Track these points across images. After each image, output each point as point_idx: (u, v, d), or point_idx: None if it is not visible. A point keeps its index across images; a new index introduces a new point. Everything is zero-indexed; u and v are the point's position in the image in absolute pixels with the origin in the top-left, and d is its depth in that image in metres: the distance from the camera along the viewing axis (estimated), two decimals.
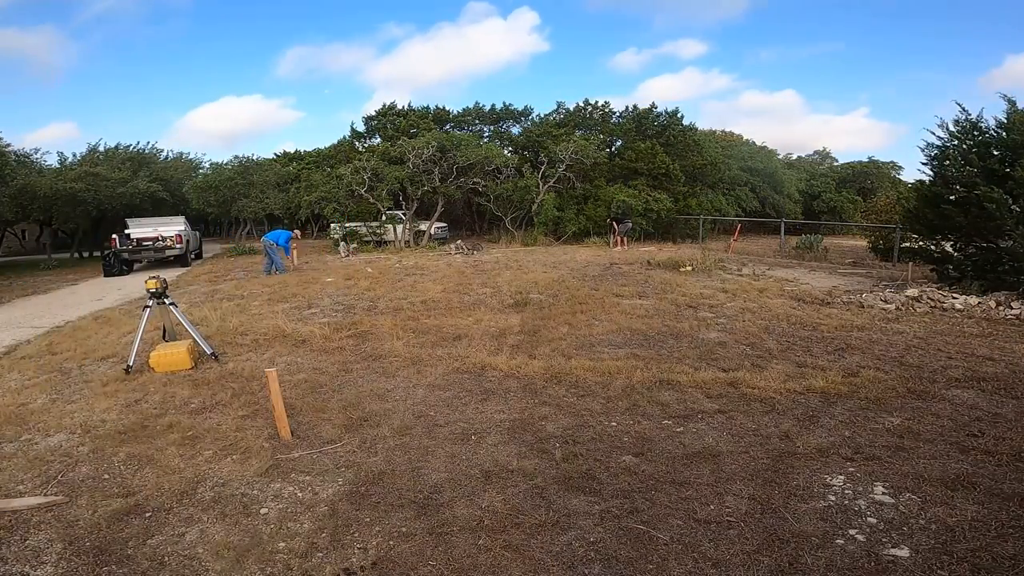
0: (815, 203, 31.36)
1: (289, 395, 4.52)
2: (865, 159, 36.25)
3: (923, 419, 4.01)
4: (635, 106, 25.62)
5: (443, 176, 19.83)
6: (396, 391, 4.83)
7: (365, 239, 19.91)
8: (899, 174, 35.18)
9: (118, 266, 15.41)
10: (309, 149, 31.08)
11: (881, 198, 25.98)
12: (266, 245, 13.52)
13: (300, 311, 8.41)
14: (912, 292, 8.66)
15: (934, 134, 10.41)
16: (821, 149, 44.88)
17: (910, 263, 11.71)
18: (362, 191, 19.37)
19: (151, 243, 16.38)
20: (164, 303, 5.87)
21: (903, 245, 13.24)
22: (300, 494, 3.17)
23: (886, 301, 8.36)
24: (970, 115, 10.08)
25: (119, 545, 2.72)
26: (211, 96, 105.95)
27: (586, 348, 6.02)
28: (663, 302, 8.53)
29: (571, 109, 26.09)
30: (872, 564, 2.44)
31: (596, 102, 25.98)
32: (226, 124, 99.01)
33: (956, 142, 10.13)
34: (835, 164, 39.77)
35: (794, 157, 40.57)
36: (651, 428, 3.96)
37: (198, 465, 3.52)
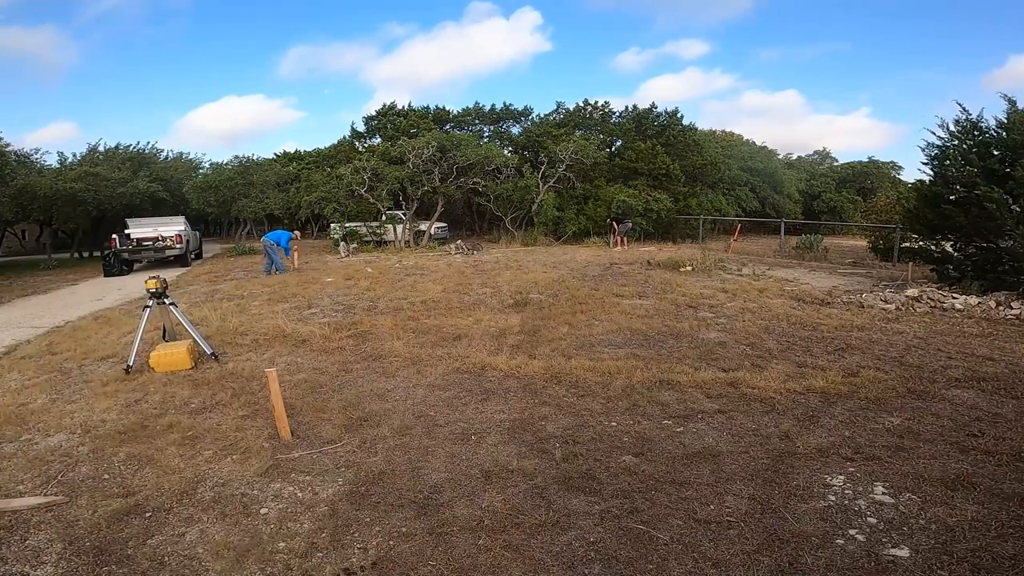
0: (815, 203, 31.37)
1: (289, 395, 4.52)
2: (865, 159, 36.31)
3: (923, 419, 4.01)
4: (635, 106, 25.68)
5: (443, 176, 19.83)
6: (396, 391, 4.83)
7: (365, 239, 19.91)
8: (899, 174, 35.23)
9: (118, 266, 15.41)
10: (309, 149, 31.13)
11: (881, 198, 25.98)
12: (266, 245, 13.52)
13: (300, 311, 8.41)
14: (912, 292, 8.66)
15: (934, 134, 10.42)
16: (821, 149, 44.97)
17: (910, 263, 11.71)
18: (362, 191, 19.37)
19: (151, 243, 16.38)
20: (164, 303, 5.87)
21: (903, 245, 13.24)
22: (300, 494, 3.17)
23: (886, 301, 8.36)
24: (970, 115, 10.09)
25: (119, 545, 2.72)
26: (212, 96, 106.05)
27: (586, 348, 6.02)
28: (663, 302, 8.53)
29: (571, 109, 26.11)
30: (872, 564, 2.44)
31: (596, 102, 26.03)
32: (227, 124, 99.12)
33: (956, 142, 10.12)
34: (835, 164, 39.79)
35: (794, 157, 40.63)
36: (651, 428, 3.96)
37: (198, 465, 3.52)
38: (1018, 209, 8.94)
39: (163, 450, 3.73)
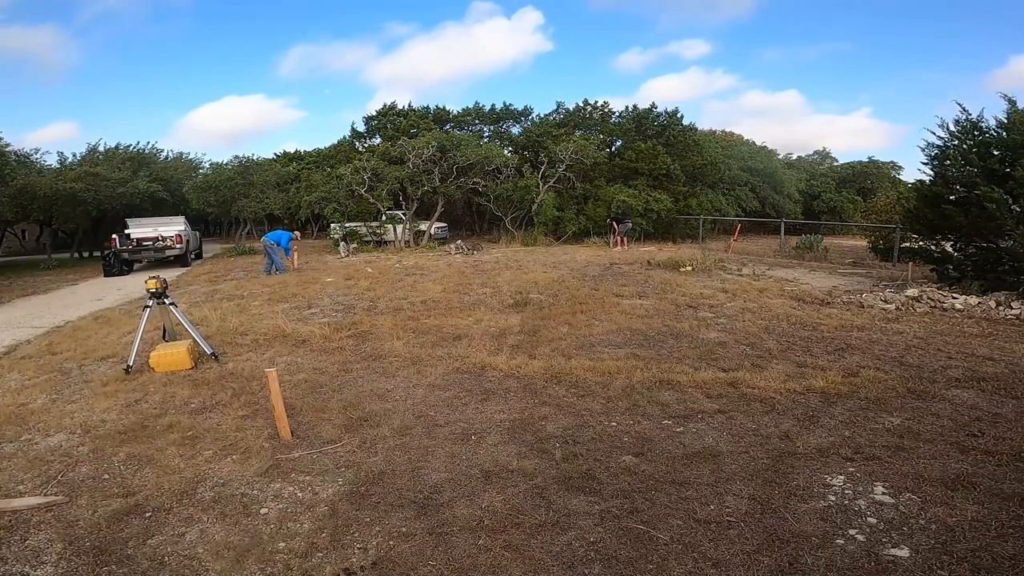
0: (815, 203, 31.37)
1: (289, 395, 4.52)
2: (865, 159, 36.31)
3: (923, 419, 4.01)
4: (635, 106, 25.69)
5: (443, 176, 19.83)
6: (396, 391, 4.83)
7: (365, 239, 19.91)
8: (899, 174, 35.24)
9: (118, 266, 15.41)
10: (309, 149, 31.14)
11: (881, 198, 25.98)
12: (266, 245, 13.52)
13: (300, 311, 8.41)
14: (912, 292, 8.66)
15: (934, 134, 10.42)
16: (821, 149, 44.97)
17: (910, 263, 11.71)
18: (362, 191, 19.37)
19: (151, 243, 16.38)
20: (164, 303, 5.87)
21: (903, 245, 13.24)
22: (300, 494, 3.17)
23: (886, 301, 8.36)
24: (970, 115, 10.09)
25: (119, 545, 2.72)
26: (213, 96, 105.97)
27: (586, 348, 6.02)
28: (663, 302, 8.53)
29: (571, 109, 26.11)
30: (872, 564, 2.44)
31: (596, 102, 26.04)
32: (228, 124, 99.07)
33: (956, 142, 10.12)
34: (835, 164, 39.81)
35: (794, 157, 40.66)
36: (651, 428, 3.96)
37: (198, 465, 3.52)
38: (1018, 209, 8.94)
39: (163, 450, 3.73)
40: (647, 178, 22.25)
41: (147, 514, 2.98)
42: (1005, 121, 9.64)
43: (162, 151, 24.92)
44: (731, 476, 3.25)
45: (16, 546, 2.74)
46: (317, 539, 2.73)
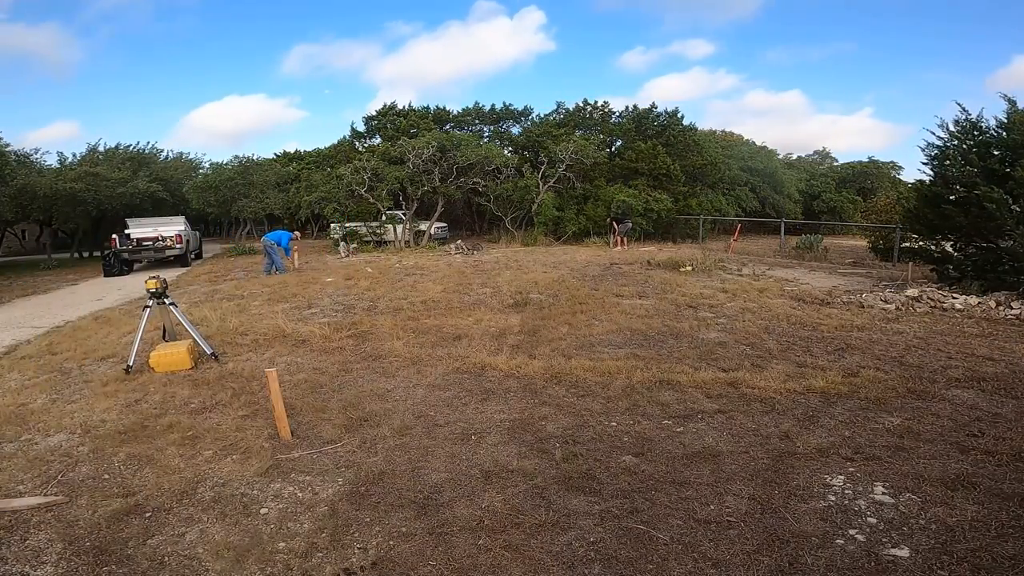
0: (815, 203, 31.37)
1: (289, 395, 4.52)
2: (865, 159, 36.31)
3: (923, 419, 4.01)
4: (635, 106, 25.68)
5: (443, 176, 19.83)
6: (396, 391, 4.83)
7: (365, 239, 19.91)
8: (899, 174, 35.23)
9: (118, 266, 15.42)
10: (309, 149, 31.15)
11: (881, 198, 25.97)
12: (266, 245, 13.53)
13: (300, 311, 8.41)
14: (912, 292, 8.66)
15: (934, 134, 10.42)
16: (821, 149, 44.99)
17: (910, 263, 11.71)
18: (362, 191, 19.37)
19: (151, 243, 16.38)
20: (164, 303, 5.87)
21: (903, 245, 13.24)
22: (300, 494, 3.17)
23: (886, 301, 8.36)
24: (970, 115, 10.09)
25: (119, 545, 2.72)
26: (215, 95, 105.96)
27: (586, 348, 6.01)
28: (663, 302, 8.53)
29: (571, 109, 26.11)
30: (872, 564, 2.44)
31: (596, 102, 26.03)
32: (230, 123, 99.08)
33: (956, 142, 10.13)
34: (835, 164, 39.82)
35: (794, 157, 40.66)
36: (651, 428, 3.96)
37: (198, 465, 3.52)
38: (1018, 209, 8.94)
39: (163, 450, 3.73)
40: (647, 178, 22.25)
41: (147, 514, 2.98)
42: (1005, 121, 9.64)
43: (162, 151, 24.96)
44: (731, 476, 3.25)
45: (16, 546, 2.74)
46: (317, 539, 2.73)
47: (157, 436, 3.97)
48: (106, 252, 16.04)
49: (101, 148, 22.17)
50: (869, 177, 34.36)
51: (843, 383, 4.72)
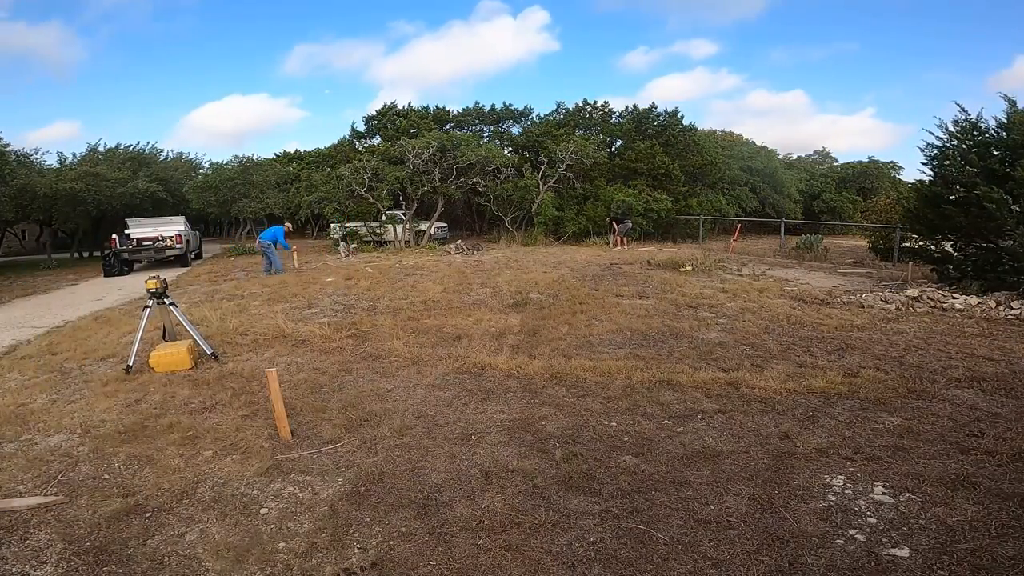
0: (815, 203, 31.37)
1: (289, 395, 4.52)
2: (865, 159, 36.31)
3: (923, 419, 4.01)
4: (635, 106, 25.68)
5: (443, 176, 19.83)
6: (396, 391, 4.83)
7: (365, 239, 19.91)
8: (899, 174, 35.23)
9: (118, 266, 15.42)
10: (309, 149, 31.16)
11: (881, 198, 25.97)
12: (263, 247, 13.53)
13: (300, 311, 8.41)
14: (912, 292, 8.66)
15: (934, 134, 10.42)
16: (821, 149, 44.99)
17: (910, 263, 11.70)
18: (362, 191, 19.37)
19: (151, 243, 16.39)
20: (164, 303, 5.87)
21: (903, 245, 13.24)
22: (300, 494, 3.17)
23: (886, 301, 8.36)
24: (970, 115, 10.09)
25: (119, 545, 2.72)
26: (216, 95, 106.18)
27: (586, 348, 6.01)
28: (663, 302, 8.53)
29: (571, 109, 26.11)
30: (872, 564, 2.44)
31: (595, 102, 26.03)
32: (231, 123, 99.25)
33: (956, 142, 10.12)
34: (835, 164, 39.81)
35: (794, 157, 40.65)
36: (651, 428, 3.96)
37: (198, 465, 3.52)
38: (1018, 209, 8.94)
39: (163, 450, 3.73)
40: (647, 178, 22.25)
41: (147, 514, 2.98)
42: (1005, 121, 9.64)
43: (162, 151, 25.00)
44: (731, 476, 3.25)
45: (16, 546, 2.74)
46: (317, 539, 2.73)
47: (157, 436, 3.97)
48: (106, 252, 16.04)
49: (101, 148, 22.20)
50: (869, 177, 34.35)
51: (843, 383, 4.72)
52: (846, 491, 3.05)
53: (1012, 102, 9.75)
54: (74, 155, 21.61)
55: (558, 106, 26.69)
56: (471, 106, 27.02)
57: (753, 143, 35.73)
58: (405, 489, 3.18)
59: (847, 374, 4.99)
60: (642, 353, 5.76)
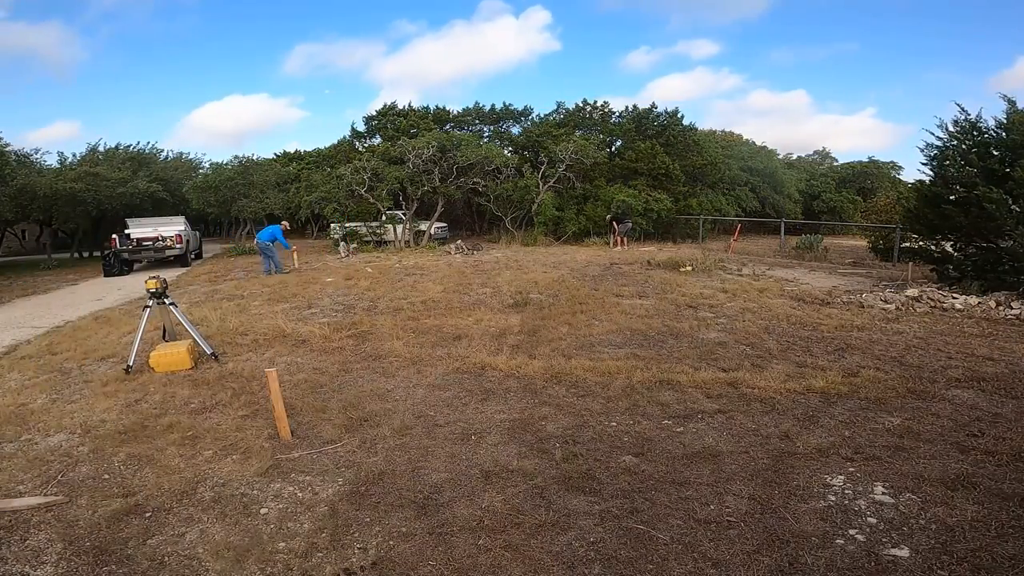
0: (815, 203, 31.37)
1: (289, 395, 4.53)
2: (865, 159, 36.30)
3: (923, 419, 4.01)
4: (635, 106, 25.66)
5: (443, 176, 19.82)
6: (396, 391, 4.83)
7: (365, 239, 19.91)
8: (899, 174, 35.23)
9: (118, 266, 15.41)
10: (309, 149, 31.15)
11: (881, 198, 25.99)
12: (262, 247, 13.53)
13: (300, 311, 8.41)
14: (912, 292, 8.66)
15: (934, 134, 10.43)
16: (821, 149, 44.97)
17: (910, 263, 11.71)
18: (362, 191, 19.37)
19: (151, 243, 16.39)
20: (164, 303, 5.87)
21: (903, 245, 13.24)
22: (300, 494, 3.17)
23: (886, 301, 8.36)
24: (969, 115, 10.09)
25: (119, 545, 2.72)
26: (216, 94, 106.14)
27: (586, 348, 6.01)
28: (663, 302, 8.53)
29: (571, 109, 26.10)
30: (872, 564, 2.44)
31: (595, 102, 26.01)
32: (231, 123, 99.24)
33: (956, 142, 10.13)
34: (835, 164, 39.80)
35: (794, 157, 40.64)
36: (651, 428, 3.96)
37: (198, 465, 3.52)
38: (1018, 209, 8.94)
39: (163, 450, 3.73)
40: (647, 178, 22.24)
41: (147, 514, 2.98)
42: (1004, 121, 9.64)
43: (162, 151, 25.00)
44: (731, 476, 3.25)
45: (16, 546, 2.74)
46: (317, 539, 2.73)
47: (157, 436, 3.97)
48: (106, 252, 16.04)
49: (101, 148, 22.19)
50: (869, 177, 34.35)
51: (843, 383, 4.72)
52: (846, 491, 3.05)
53: (1012, 102, 9.75)
54: (74, 155, 21.65)
55: (558, 106, 26.73)
56: (471, 106, 27.05)
57: (753, 143, 35.74)
58: (405, 489, 3.18)
59: (847, 374, 4.99)
60: (642, 353, 5.76)
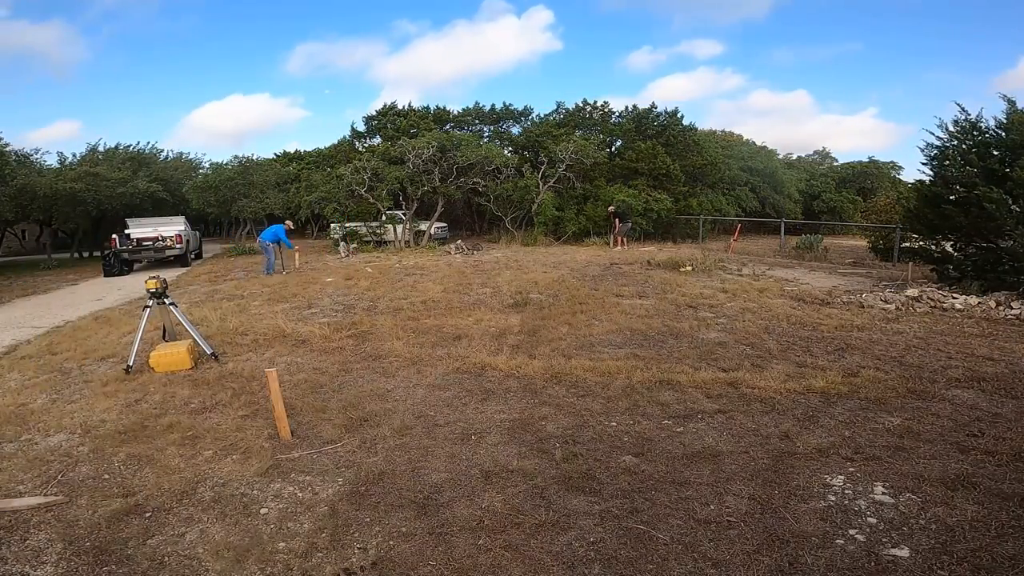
0: (815, 203, 31.35)
1: (289, 395, 4.53)
2: (865, 159, 36.29)
3: (923, 419, 4.01)
4: (635, 106, 25.64)
5: (443, 176, 19.82)
6: (396, 391, 4.83)
7: (365, 239, 19.90)
8: (899, 174, 35.21)
9: (118, 266, 15.42)
10: (309, 149, 31.15)
11: (881, 198, 25.98)
12: (264, 246, 13.55)
13: (300, 311, 8.41)
14: (912, 292, 8.66)
15: (934, 134, 10.43)
16: (821, 149, 44.96)
17: (910, 263, 11.70)
18: (362, 191, 19.36)
19: (151, 243, 16.39)
20: (164, 303, 5.87)
21: (903, 245, 13.24)
22: (300, 494, 3.17)
23: (886, 301, 8.36)
24: (969, 115, 10.09)
25: (119, 545, 2.72)
26: (217, 94, 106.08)
27: (586, 348, 6.01)
28: (663, 302, 8.53)
29: (571, 109, 26.08)
30: (872, 564, 2.44)
31: (595, 102, 25.98)
32: (232, 123, 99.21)
33: (956, 142, 10.13)
34: (835, 164, 39.78)
35: (794, 157, 40.62)
36: (651, 428, 3.96)
37: (198, 465, 3.52)
38: (1018, 209, 8.94)
39: (163, 450, 3.73)
40: (647, 178, 22.23)
41: (147, 514, 2.98)
42: (1004, 121, 9.64)
43: (162, 151, 25.01)
44: (731, 476, 3.25)
45: (16, 546, 2.74)
46: (317, 539, 2.73)
47: (157, 436, 3.97)
48: (106, 252, 16.04)
49: (101, 148, 22.20)
50: (869, 177, 34.33)
51: (843, 383, 4.72)
52: (846, 491, 3.05)
53: (1011, 102, 9.75)
54: (74, 155, 21.65)
55: (558, 106, 26.69)
56: (471, 106, 27.03)
57: (753, 143, 35.71)
58: (405, 489, 3.18)
59: (847, 374, 4.99)
60: (642, 353, 5.76)
